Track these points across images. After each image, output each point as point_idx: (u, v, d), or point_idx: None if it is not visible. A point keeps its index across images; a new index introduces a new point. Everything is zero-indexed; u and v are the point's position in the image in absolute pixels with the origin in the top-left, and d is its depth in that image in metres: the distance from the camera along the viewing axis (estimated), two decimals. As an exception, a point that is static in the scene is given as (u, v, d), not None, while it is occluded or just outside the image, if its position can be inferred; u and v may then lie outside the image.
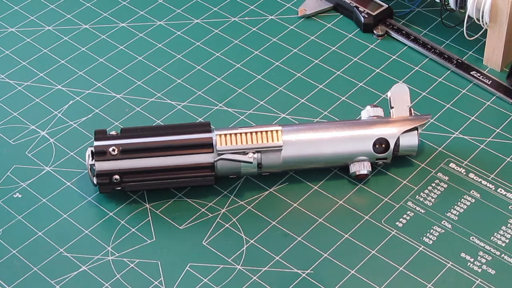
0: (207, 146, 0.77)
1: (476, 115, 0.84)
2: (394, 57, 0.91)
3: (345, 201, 0.78)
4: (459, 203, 0.77)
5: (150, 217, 0.77)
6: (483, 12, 0.85)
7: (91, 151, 0.77)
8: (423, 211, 0.77)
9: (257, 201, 0.78)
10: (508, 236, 0.75)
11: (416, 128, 0.79)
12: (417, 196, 0.78)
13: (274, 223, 0.77)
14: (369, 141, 0.78)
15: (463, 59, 0.89)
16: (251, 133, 0.77)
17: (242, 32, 0.95)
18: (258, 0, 0.98)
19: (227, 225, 0.77)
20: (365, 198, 0.78)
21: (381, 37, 0.93)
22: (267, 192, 0.79)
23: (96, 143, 0.77)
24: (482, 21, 0.86)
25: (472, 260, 0.73)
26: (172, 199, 0.79)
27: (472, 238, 0.75)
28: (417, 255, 0.74)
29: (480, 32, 0.88)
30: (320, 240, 0.75)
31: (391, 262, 0.73)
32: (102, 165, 0.76)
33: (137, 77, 0.90)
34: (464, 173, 0.80)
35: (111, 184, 0.77)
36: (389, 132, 0.78)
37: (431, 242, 0.75)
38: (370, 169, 0.78)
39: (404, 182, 0.79)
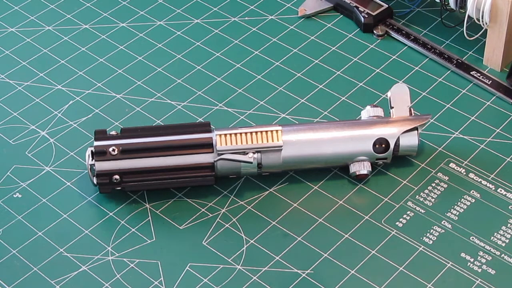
0: (207, 146, 0.77)
1: (476, 115, 0.84)
2: (394, 57, 0.91)
3: (345, 201, 0.78)
4: (459, 203, 0.77)
5: (150, 217, 0.77)
6: (483, 12, 0.85)
7: (91, 151, 0.77)
8: (423, 211, 0.77)
9: (257, 201, 0.78)
10: (508, 236, 0.75)
11: (416, 128, 0.79)
12: (417, 196, 0.78)
13: (274, 223, 0.77)
14: (369, 141, 0.78)
15: (463, 59, 0.89)
16: (251, 133, 0.77)
17: (242, 32, 0.95)
18: (258, 0, 0.98)
19: (227, 225, 0.77)
20: (365, 198, 0.78)
21: (381, 37, 0.93)
22: (267, 192, 0.79)
23: (96, 143, 0.77)
24: (482, 21, 0.86)
25: (472, 260, 0.73)
26: (172, 199, 0.79)
27: (472, 238, 0.75)
28: (417, 255, 0.74)
29: (480, 32, 0.88)
30: (320, 240, 0.75)
31: (391, 262, 0.73)
32: (102, 165, 0.76)
33: (137, 77, 0.90)
34: (464, 173, 0.80)
35: (111, 184, 0.77)
36: (389, 132, 0.78)
37: (431, 242, 0.75)
38: (370, 169, 0.78)
39: (404, 182, 0.79)
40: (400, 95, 0.79)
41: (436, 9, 0.94)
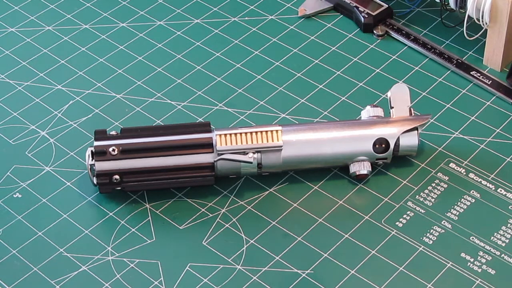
0: (207, 146, 0.77)
1: (476, 115, 0.84)
2: (394, 57, 0.91)
3: (345, 201, 0.78)
4: (459, 203, 0.77)
5: (150, 217, 0.77)
6: (483, 12, 0.85)
7: (91, 151, 0.77)
8: (423, 211, 0.77)
9: (257, 201, 0.78)
10: (508, 236, 0.75)
11: (416, 128, 0.79)
12: (417, 196, 0.78)
13: (274, 223, 0.77)
14: (369, 141, 0.78)
15: (463, 59, 0.89)
16: (251, 133, 0.77)
17: (242, 32, 0.95)
18: (258, 0, 0.98)
19: (227, 225, 0.77)
20: (365, 198, 0.78)
21: (381, 37, 0.93)
22: (267, 192, 0.79)
23: (96, 143, 0.77)
24: (482, 21, 0.86)
25: (472, 260, 0.73)
26: (172, 199, 0.79)
27: (472, 238, 0.75)
28: (417, 255, 0.74)
29: (480, 32, 0.88)
30: (320, 240, 0.75)
31: (391, 262, 0.73)
32: (102, 165, 0.76)
33: (137, 77, 0.90)
34: (464, 173, 0.80)
35: (111, 184, 0.77)
36: (389, 132, 0.78)
37: (431, 242, 0.75)
38: (370, 169, 0.78)
39: (404, 182, 0.79)
40: (400, 95, 0.79)
41: (436, 9, 0.94)
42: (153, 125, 0.85)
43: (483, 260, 0.73)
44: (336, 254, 0.74)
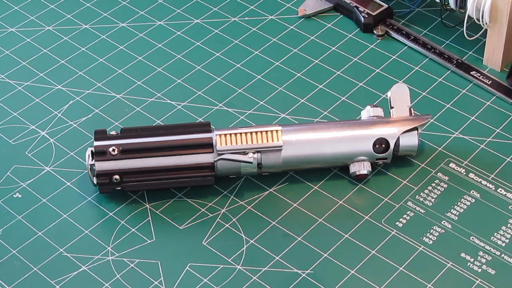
0: (207, 146, 0.77)
1: (476, 115, 0.84)
2: (394, 57, 0.91)
3: (345, 201, 0.78)
4: (459, 203, 0.77)
5: (150, 217, 0.77)
6: (483, 12, 0.85)
7: (91, 151, 0.77)
8: (423, 211, 0.77)
9: (257, 201, 0.78)
10: (508, 236, 0.75)
11: (416, 128, 0.79)
12: (417, 196, 0.78)
13: (274, 223, 0.77)
14: (369, 141, 0.78)
15: (463, 59, 0.89)
16: (251, 133, 0.77)
17: (242, 32, 0.95)
18: (258, 0, 0.98)
19: (227, 225, 0.77)
20: (365, 198, 0.78)
21: (381, 37, 0.93)
22: (267, 192, 0.79)
23: (96, 143, 0.77)
24: (482, 21, 0.86)
25: (472, 260, 0.73)
26: (172, 199, 0.79)
27: (472, 238, 0.75)
28: (417, 255, 0.74)
29: (480, 32, 0.88)
30: (320, 240, 0.75)
31: (391, 262, 0.73)
32: (102, 165, 0.76)
33: (137, 77, 0.90)
34: (464, 173, 0.80)
35: (111, 184, 0.77)
36: (389, 132, 0.78)
37: (431, 242, 0.75)
38: (370, 169, 0.78)
39: (404, 182, 0.79)
40: (400, 95, 0.79)
41: (436, 9, 0.94)
42: (153, 125, 0.85)
43: (483, 260, 0.73)
44: (336, 254, 0.74)
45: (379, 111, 0.80)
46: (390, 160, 0.79)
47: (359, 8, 0.94)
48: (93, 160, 0.76)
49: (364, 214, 0.77)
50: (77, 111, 0.87)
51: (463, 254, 0.74)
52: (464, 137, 0.83)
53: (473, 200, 0.77)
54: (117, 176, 0.76)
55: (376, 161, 0.79)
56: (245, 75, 0.90)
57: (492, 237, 0.75)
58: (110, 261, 0.74)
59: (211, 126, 0.79)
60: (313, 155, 0.78)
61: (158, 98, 0.88)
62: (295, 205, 0.78)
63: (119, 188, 0.77)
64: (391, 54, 0.91)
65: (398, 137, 0.78)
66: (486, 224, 0.76)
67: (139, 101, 0.88)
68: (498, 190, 0.78)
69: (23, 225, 0.77)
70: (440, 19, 0.93)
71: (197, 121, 0.85)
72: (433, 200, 0.78)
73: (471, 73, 0.88)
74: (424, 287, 0.71)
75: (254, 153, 0.76)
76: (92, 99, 0.88)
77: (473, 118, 0.84)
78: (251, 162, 0.76)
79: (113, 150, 0.76)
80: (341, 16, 0.96)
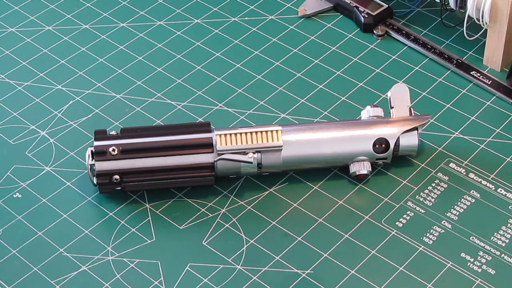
0: (207, 146, 0.77)
1: (476, 115, 0.84)
2: (394, 57, 0.91)
3: (345, 201, 0.78)
4: (459, 203, 0.77)
5: (150, 217, 0.77)
6: (483, 12, 0.85)
7: (91, 151, 0.77)
8: (423, 211, 0.77)
9: (257, 201, 0.78)
10: (508, 236, 0.75)
11: (416, 128, 0.79)
12: (417, 196, 0.78)
13: (274, 223, 0.77)
14: (369, 141, 0.78)
15: (463, 59, 0.89)
16: (251, 133, 0.77)
17: (242, 32, 0.95)
18: (258, 0, 0.98)
19: (227, 225, 0.77)
20: (365, 198, 0.78)
21: (381, 37, 0.93)
22: (267, 192, 0.79)
23: (96, 143, 0.77)
24: (482, 21, 0.86)
25: (472, 260, 0.73)
26: (172, 199, 0.79)
27: (472, 238, 0.75)
28: (417, 255, 0.74)
29: (480, 32, 0.88)
30: (320, 240, 0.75)
31: (391, 262, 0.73)
32: (102, 165, 0.76)
33: (137, 77, 0.90)
34: (464, 173, 0.80)
35: (111, 184, 0.77)
36: (389, 132, 0.78)
37: (431, 242, 0.75)
38: (370, 169, 0.78)
39: (404, 182, 0.79)
40: (400, 95, 0.79)
41: (436, 9, 0.94)
42: (153, 125, 0.85)
43: (483, 260, 0.73)
44: (336, 254, 0.74)
45: (379, 111, 0.80)
46: (390, 160, 0.79)
47: (359, 8, 0.94)
48: (93, 160, 0.76)
49: (364, 214, 0.77)
50: (77, 111, 0.87)
51: (463, 254, 0.74)
52: (464, 137, 0.83)
53: (473, 200, 0.77)
54: (117, 176, 0.76)
55: (376, 161, 0.79)
56: (245, 75, 0.90)
57: (492, 237, 0.75)
58: (110, 261, 0.74)
59: (211, 126, 0.79)
60: (313, 155, 0.78)
61: (158, 98, 0.88)
62: (295, 205, 0.78)
63: (119, 188, 0.77)
64: (391, 54, 0.91)
65: (398, 137, 0.78)
66: (486, 224, 0.76)
67: (139, 101, 0.88)
68: (498, 190, 0.78)
69: (23, 225, 0.77)
70: (440, 19, 0.93)
71: (197, 121, 0.85)
72: (433, 200, 0.78)
73: (471, 73, 0.88)
74: (424, 287, 0.71)
75: (254, 153, 0.76)
76: (92, 99, 0.88)
77: (473, 118, 0.84)
78: (251, 162, 0.76)
79: (113, 150, 0.76)
80: (341, 16, 0.96)
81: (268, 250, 0.75)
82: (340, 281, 0.72)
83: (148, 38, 0.95)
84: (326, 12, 0.96)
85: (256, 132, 0.77)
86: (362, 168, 0.78)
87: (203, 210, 0.78)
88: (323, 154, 0.78)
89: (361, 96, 0.87)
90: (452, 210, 0.77)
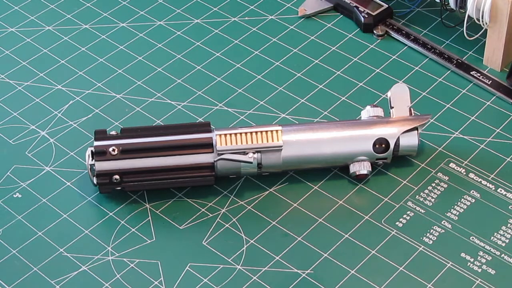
0: (207, 146, 0.77)
1: (476, 115, 0.84)
2: (394, 57, 0.91)
3: (345, 201, 0.78)
4: (459, 203, 0.77)
5: (150, 217, 0.77)
6: (483, 12, 0.85)
7: (91, 151, 0.77)
8: (423, 211, 0.77)
9: (257, 201, 0.78)
10: (508, 236, 0.75)
11: (416, 128, 0.79)
12: (417, 196, 0.78)
13: (274, 223, 0.77)
14: (369, 141, 0.78)
15: (463, 59, 0.89)
16: (251, 133, 0.77)
17: (242, 32, 0.95)
18: (258, 0, 0.98)
19: (227, 225, 0.77)
20: (365, 198, 0.78)
21: (381, 37, 0.93)
22: (267, 192, 0.79)
23: (96, 143, 0.77)
24: (482, 21, 0.86)
25: (472, 260, 0.73)
26: (172, 199, 0.79)
27: (472, 238, 0.75)
28: (417, 255, 0.74)
29: (480, 32, 0.88)
30: (320, 240, 0.75)
31: (391, 262, 0.73)
32: (102, 165, 0.76)
33: (137, 77, 0.90)
34: (464, 173, 0.80)
35: (111, 184, 0.77)
36: (389, 132, 0.78)
37: (431, 242, 0.75)
38: (370, 169, 0.78)
39: (404, 182, 0.79)
40: (400, 95, 0.80)
41: (436, 9, 0.94)
42: (153, 125, 0.85)
43: (483, 260, 0.73)
44: (336, 254, 0.74)
45: (379, 111, 0.80)
46: (390, 160, 0.79)
47: (359, 8, 0.94)
48: (93, 160, 0.76)
49: (364, 214, 0.77)
50: (77, 111, 0.87)
51: (463, 254, 0.74)
52: (464, 137, 0.83)
53: (473, 200, 0.77)
54: (117, 176, 0.76)
55: (376, 161, 0.79)
56: (245, 75, 0.90)
57: (492, 237, 0.75)
58: (110, 261, 0.74)
59: (211, 126, 0.79)
60: (313, 155, 0.78)
61: (158, 98, 0.88)
62: (295, 205, 0.78)
63: (119, 188, 0.77)
64: (391, 54, 0.91)
65: (398, 137, 0.78)
66: (486, 224, 0.76)
67: (139, 101, 0.88)
68: (498, 190, 0.78)
69: (23, 225, 0.77)
70: (440, 19, 0.93)
71: (197, 121, 0.85)
72: (433, 200, 0.78)
73: (471, 73, 0.88)
74: (424, 287, 0.71)
75: (254, 153, 0.76)
76: (92, 99, 0.88)
77: (473, 118, 0.84)
78: (251, 162, 0.76)
79: (113, 150, 0.76)
80: (341, 16, 0.96)
81: (268, 250, 0.75)
82: (340, 281, 0.72)
83: (148, 38, 0.95)
84: (326, 12, 0.96)
85: (256, 132, 0.77)
86: (362, 168, 0.78)
87: (203, 210, 0.78)
88: (323, 154, 0.78)
89: (361, 96, 0.87)
90: (452, 210, 0.77)
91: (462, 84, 0.88)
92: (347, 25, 0.95)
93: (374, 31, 0.93)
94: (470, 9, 0.85)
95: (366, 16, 0.93)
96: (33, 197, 0.79)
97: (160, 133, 0.78)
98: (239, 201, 0.78)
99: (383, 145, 0.78)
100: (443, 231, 0.75)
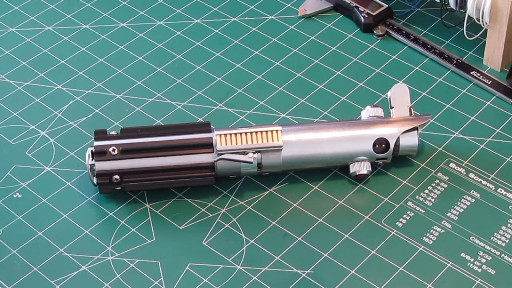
0: (207, 146, 0.77)
1: (476, 115, 0.84)
2: (394, 57, 0.91)
3: (345, 201, 0.78)
4: (459, 203, 0.77)
5: (150, 217, 0.77)
6: (483, 12, 0.85)
7: (91, 151, 0.77)
8: (423, 211, 0.77)
9: (257, 201, 0.78)
10: (508, 236, 0.75)
11: (416, 128, 0.79)
12: (417, 196, 0.78)
13: (274, 223, 0.77)
14: (369, 141, 0.78)
15: (463, 59, 0.89)
16: (251, 133, 0.77)
17: (242, 32, 0.95)
18: (258, 0, 0.98)
19: (227, 225, 0.77)
20: (365, 198, 0.78)
21: (381, 37, 0.93)
22: (267, 192, 0.79)
23: (96, 143, 0.77)
24: (482, 21, 0.86)
25: (472, 260, 0.73)
26: (172, 199, 0.79)
27: (472, 238, 0.75)
28: (417, 255, 0.74)
29: (480, 32, 0.88)
30: (320, 240, 0.75)
31: (391, 262, 0.73)
32: (102, 165, 0.76)
33: (137, 77, 0.90)
34: (464, 173, 0.80)
35: (111, 184, 0.77)
36: (389, 132, 0.78)
37: (431, 242, 0.75)
38: (370, 169, 0.78)
39: (404, 182, 0.79)
40: (400, 95, 0.80)
41: (436, 9, 0.94)
42: (153, 125, 0.85)
43: (483, 260, 0.73)
44: (336, 254, 0.74)
45: (379, 111, 0.80)
46: (390, 160, 0.79)
47: (359, 8, 0.94)
48: (93, 160, 0.76)
49: (364, 214, 0.77)
50: (77, 111, 0.87)
51: (463, 254, 0.74)
52: (464, 137, 0.83)
53: (473, 200, 0.77)
54: (117, 176, 0.76)
55: (376, 161, 0.79)
56: (245, 75, 0.90)
57: (492, 237, 0.75)
58: (110, 261, 0.74)
59: (211, 126, 0.79)
60: (313, 155, 0.78)
61: (158, 98, 0.88)
62: (295, 205, 0.78)
63: (119, 188, 0.77)
64: (391, 54, 0.91)
65: (398, 137, 0.78)
66: (486, 224, 0.76)
67: (139, 101, 0.88)
68: (498, 190, 0.78)
69: (23, 225, 0.77)
70: (440, 19, 0.93)
71: (197, 121, 0.85)
72: (433, 200, 0.78)
73: (471, 73, 0.88)
74: (424, 287, 0.71)
75: (254, 153, 0.76)
76: (92, 99, 0.88)
77: (473, 118, 0.84)
78: (251, 162, 0.76)
79: (113, 150, 0.76)
80: (341, 16, 0.96)
81: (268, 250, 0.75)
82: (340, 281, 0.72)
83: (148, 38, 0.95)
84: (326, 12, 0.96)
85: (256, 132, 0.77)
86: (362, 168, 0.78)
87: (203, 210, 0.78)
88: (323, 154, 0.78)
89: (361, 96, 0.87)
90: (452, 210, 0.77)
91: (462, 84, 0.88)
92: (347, 25, 0.95)
93: (374, 31, 0.93)
94: (470, 9, 0.86)
95: (366, 16, 0.93)
96: (33, 197, 0.79)
97: (160, 133, 0.78)
98: (239, 201, 0.78)
99: (383, 145, 0.78)
100: (443, 231, 0.75)
